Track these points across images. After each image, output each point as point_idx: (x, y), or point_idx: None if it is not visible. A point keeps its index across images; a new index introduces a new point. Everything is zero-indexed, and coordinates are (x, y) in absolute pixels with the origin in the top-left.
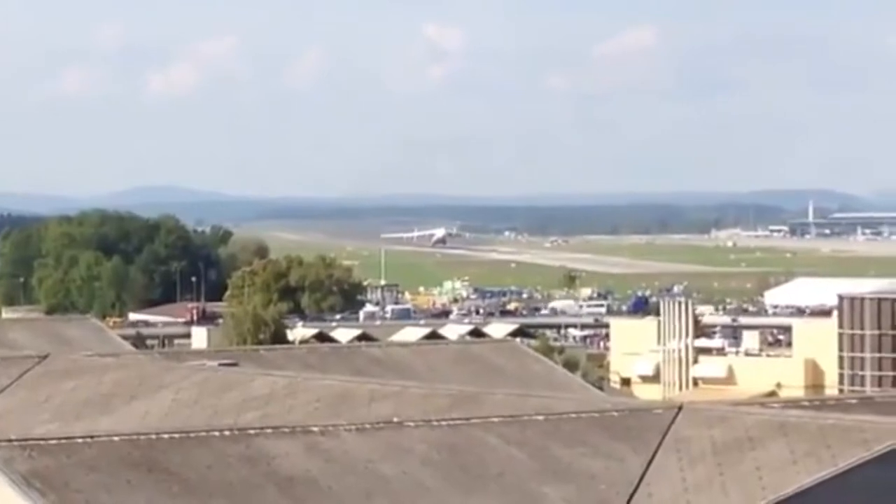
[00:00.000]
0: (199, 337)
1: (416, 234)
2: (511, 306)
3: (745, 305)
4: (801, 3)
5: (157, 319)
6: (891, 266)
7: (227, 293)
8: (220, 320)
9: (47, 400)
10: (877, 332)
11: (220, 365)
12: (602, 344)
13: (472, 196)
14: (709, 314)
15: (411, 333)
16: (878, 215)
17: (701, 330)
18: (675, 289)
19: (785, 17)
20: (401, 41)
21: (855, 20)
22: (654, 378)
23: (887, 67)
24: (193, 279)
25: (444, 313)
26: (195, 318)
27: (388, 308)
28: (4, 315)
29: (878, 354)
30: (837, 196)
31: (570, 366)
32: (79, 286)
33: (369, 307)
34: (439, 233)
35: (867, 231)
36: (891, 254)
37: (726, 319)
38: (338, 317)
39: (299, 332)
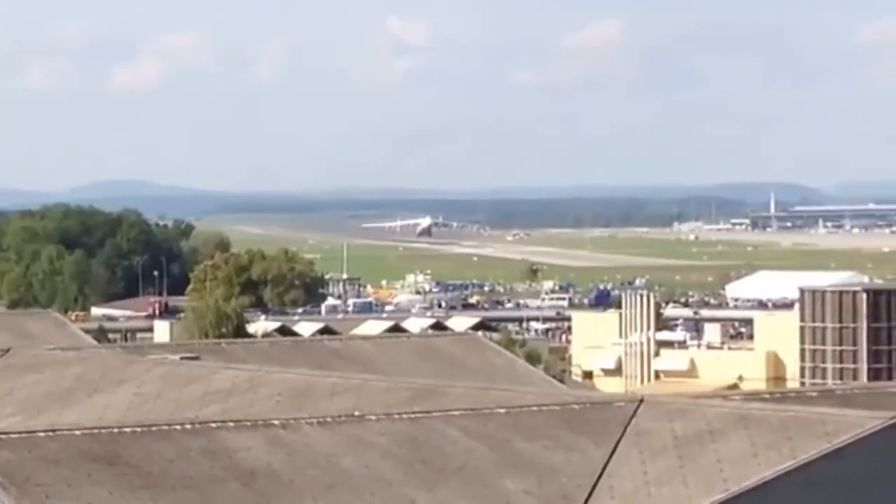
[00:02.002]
0: (162, 331)
1: (398, 223)
2: (473, 300)
3: (706, 298)
4: None
5: (119, 313)
6: (852, 259)
7: (190, 287)
8: (183, 314)
9: (9, 394)
10: (838, 325)
11: (182, 359)
12: (564, 337)
13: (435, 189)
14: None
15: (373, 327)
16: (839, 208)
17: (663, 323)
18: (637, 282)
19: (749, 10)
20: (365, 34)
21: (819, 13)
22: (616, 371)
23: (849, 61)
24: (156, 273)
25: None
26: (157, 311)
27: (350, 301)
28: None
29: (839, 347)
30: (799, 189)
31: (532, 359)
32: (41, 280)
33: (331, 301)
34: (424, 222)
35: (828, 224)
36: (852, 247)
37: (688, 312)
38: (300, 310)
39: (261, 325)
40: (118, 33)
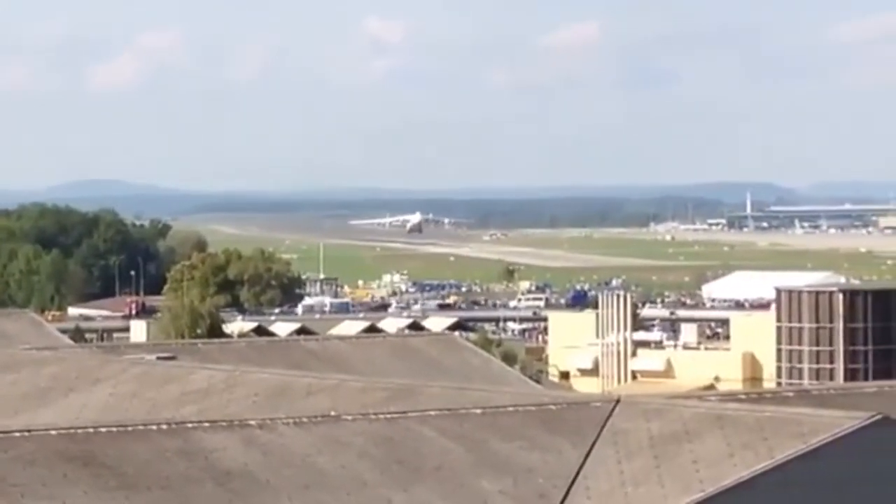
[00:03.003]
0: (138, 331)
1: (388, 220)
2: (450, 300)
3: (683, 299)
4: None
5: (96, 313)
6: (828, 259)
7: (166, 287)
8: (159, 314)
9: None
10: (814, 325)
11: (159, 358)
12: (541, 337)
13: (412, 189)
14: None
15: (350, 327)
16: (815, 208)
17: (639, 323)
18: (614, 282)
19: (725, 10)
20: (343, 34)
21: (794, 12)
22: (593, 371)
23: (825, 62)
24: (132, 273)
25: (383, 307)
26: (134, 311)
27: (327, 301)
28: None
29: (815, 348)
30: (775, 189)
31: (509, 359)
32: (17, 280)
33: (308, 301)
34: (414, 218)
35: (805, 224)
36: (828, 247)
37: (664, 313)
38: (276, 310)
39: (238, 325)
40: (95, 32)
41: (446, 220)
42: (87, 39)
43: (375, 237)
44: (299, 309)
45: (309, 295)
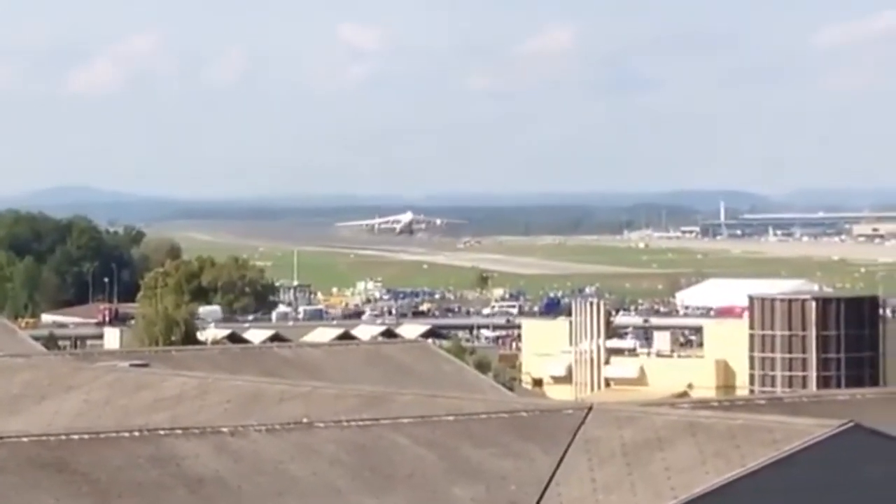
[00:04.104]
0: (112, 338)
1: (377, 221)
2: (424, 307)
3: (656, 306)
4: (713, 2)
5: (69, 320)
6: (802, 267)
7: (140, 294)
8: (133, 321)
9: None
10: (787, 332)
11: (132, 366)
12: (514, 345)
13: (387, 196)
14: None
15: (324, 334)
16: (789, 216)
17: (613, 331)
18: (587, 290)
19: (701, 16)
20: (320, 39)
21: (770, 20)
22: (566, 379)
23: (800, 69)
24: (106, 280)
25: (357, 314)
26: (107, 318)
27: (301, 309)
28: None
29: (788, 355)
30: (749, 197)
31: (482, 366)
32: None
33: (282, 308)
34: (405, 218)
35: (779, 232)
36: (802, 255)
37: (638, 320)
38: (250, 317)
39: (211, 332)
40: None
41: (438, 221)
42: (64, 44)
43: (350, 244)
44: (273, 316)
45: (282, 302)
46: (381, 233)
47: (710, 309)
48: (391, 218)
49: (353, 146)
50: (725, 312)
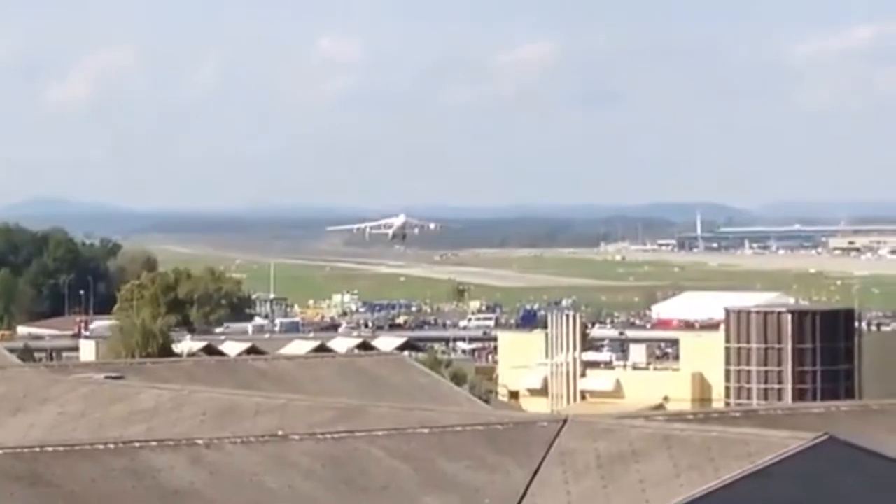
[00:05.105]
0: (88, 350)
1: (368, 224)
2: (400, 320)
3: (633, 319)
4: (690, 14)
5: (45, 332)
6: (778, 280)
7: (116, 306)
8: (109, 333)
9: None
10: (763, 345)
11: (107, 378)
12: (490, 357)
13: (365, 209)
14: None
15: (300, 346)
16: (765, 229)
17: (589, 343)
18: (564, 302)
19: (677, 30)
20: (297, 52)
21: (747, 34)
22: (542, 391)
23: (776, 83)
24: (82, 292)
25: (333, 327)
26: (83, 331)
27: (277, 321)
28: None
29: (764, 368)
30: (725, 210)
31: (458, 379)
32: None
33: (258, 320)
34: (398, 221)
35: (755, 245)
36: (778, 268)
37: (614, 333)
38: (227, 328)
39: (187, 345)
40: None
41: (432, 225)
42: (39, 57)
43: (327, 257)
44: (249, 328)
45: (259, 315)
46: (371, 238)
47: (693, 322)
48: (382, 221)
49: (331, 158)
50: (662, 325)
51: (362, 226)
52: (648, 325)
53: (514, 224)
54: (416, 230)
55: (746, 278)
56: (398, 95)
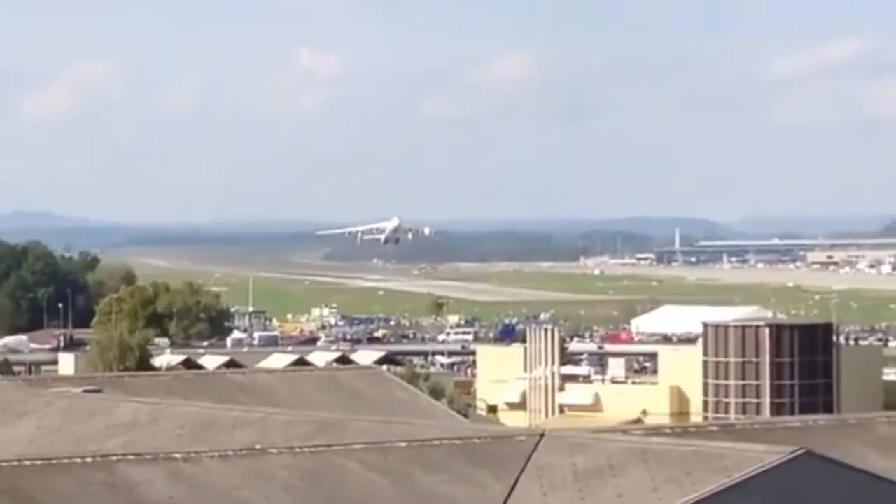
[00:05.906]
0: (67, 363)
1: (360, 229)
2: (379, 333)
3: (611, 333)
4: (669, 28)
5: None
6: (756, 294)
7: (95, 320)
8: (88, 347)
9: None
10: (741, 359)
11: (85, 391)
12: (469, 371)
13: (344, 222)
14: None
15: (278, 360)
16: (743, 243)
17: (567, 357)
18: (542, 316)
19: (657, 43)
20: (275, 65)
21: (726, 48)
22: (521, 405)
23: (755, 98)
24: (61, 305)
25: (312, 340)
26: (62, 344)
27: (256, 335)
28: None
29: (741, 382)
30: (704, 224)
31: (437, 393)
32: None
33: (237, 334)
34: (391, 224)
35: (733, 259)
36: (756, 282)
37: (592, 347)
38: (205, 343)
39: (166, 358)
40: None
41: (427, 229)
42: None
43: (305, 271)
44: (228, 342)
45: (238, 328)
46: (363, 243)
47: (671, 336)
48: (375, 226)
49: (310, 172)
50: (613, 339)
51: (354, 230)
52: (598, 339)
53: (494, 238)
54: (410, 235)
55: (725, 292)
56: (377, 110)
